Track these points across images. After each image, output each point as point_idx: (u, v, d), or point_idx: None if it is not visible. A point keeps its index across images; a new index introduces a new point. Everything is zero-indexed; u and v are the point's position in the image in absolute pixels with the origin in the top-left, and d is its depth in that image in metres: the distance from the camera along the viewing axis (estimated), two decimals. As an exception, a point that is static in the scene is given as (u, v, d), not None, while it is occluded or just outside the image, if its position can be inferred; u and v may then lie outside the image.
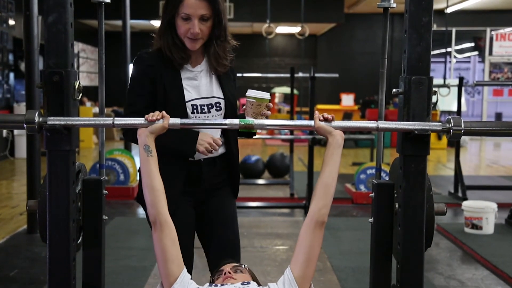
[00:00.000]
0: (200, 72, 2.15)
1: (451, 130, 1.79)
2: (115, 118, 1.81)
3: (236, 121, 1.84)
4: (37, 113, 1.72)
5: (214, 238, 2.24)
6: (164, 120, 1.81)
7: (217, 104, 2.15)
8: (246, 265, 1.93)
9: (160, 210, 1.79)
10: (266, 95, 1.99)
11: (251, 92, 1.99)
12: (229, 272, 1.82)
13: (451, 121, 1.80)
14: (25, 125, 1.73)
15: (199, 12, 2.03)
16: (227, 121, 1.85)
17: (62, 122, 1.74)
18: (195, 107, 2.12)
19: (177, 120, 1.83)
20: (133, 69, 2.14)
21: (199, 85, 2.14)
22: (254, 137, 2.26)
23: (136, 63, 2.14)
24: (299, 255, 1.79)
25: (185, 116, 2.10)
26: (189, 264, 2.09)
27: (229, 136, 2.22)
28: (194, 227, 2.24)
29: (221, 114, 2.16)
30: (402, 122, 1.81)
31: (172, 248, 1.78)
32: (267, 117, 2.03)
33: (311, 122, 1.85)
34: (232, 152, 2.24)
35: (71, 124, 1.75)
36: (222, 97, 2.16)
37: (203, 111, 2.13)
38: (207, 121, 1.92)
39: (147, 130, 1.81)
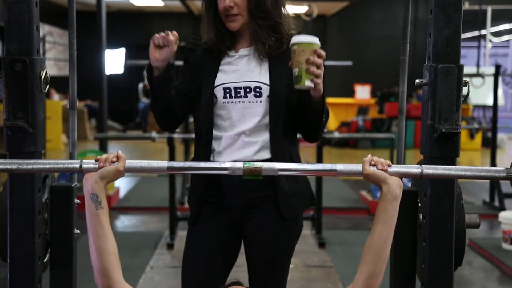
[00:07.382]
0: (244, 57, 2.23)
1: None
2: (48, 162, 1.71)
3: (239, 164, 1.75)
4: None
5: (250, 266, 2.29)
6: (119, 162, 1.71)
7: (257, 89, 2.18)
8: None
9: (114, 277, 1.70)
10: (310, 39, 1.97)
11: (293, 39, 1.99)
12: None
13: None
14: None
15: None
16: (228, 164, 1.76)
17: None
18: (227, 90, 2.19)
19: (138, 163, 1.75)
20: None
21: (237, 69, 2.22)
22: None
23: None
24: None
25: (212, 101, 2.19)
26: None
27: (277, 137, 2.18)
28: (222, 246, 2.24)
29: (261, 101, 2.18)
30: (458, 167, 1.71)
31: None
32: (318, 67, 1.97)
33: (359, 167, 1.74)
34: (281, 159, 2.16)
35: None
36: (267, 82, 2.19)
37: (238, 94, 2.18)
38: (194, 165, 1.82)
39: (96, 175, 1.69)
